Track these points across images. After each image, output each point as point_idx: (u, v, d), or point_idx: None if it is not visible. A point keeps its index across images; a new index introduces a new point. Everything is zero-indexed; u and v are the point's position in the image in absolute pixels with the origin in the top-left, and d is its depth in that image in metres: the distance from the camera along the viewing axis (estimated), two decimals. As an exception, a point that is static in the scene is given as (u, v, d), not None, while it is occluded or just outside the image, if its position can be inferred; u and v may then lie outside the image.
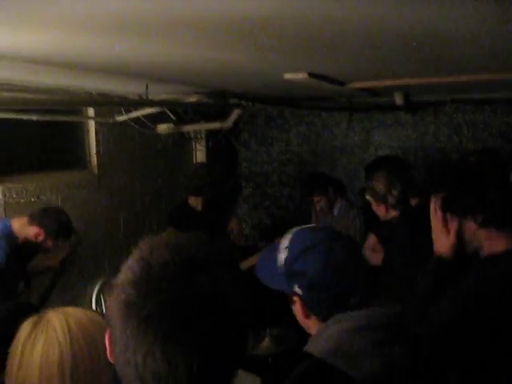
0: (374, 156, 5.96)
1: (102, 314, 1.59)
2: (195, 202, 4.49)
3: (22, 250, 3.36)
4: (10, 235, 3.25)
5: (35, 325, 1.46)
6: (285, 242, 1.66)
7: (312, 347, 1.53)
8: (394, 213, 3.40)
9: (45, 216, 3.33)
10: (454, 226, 2.07)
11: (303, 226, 1.73)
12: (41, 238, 3.30)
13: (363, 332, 1.47)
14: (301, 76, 3.29)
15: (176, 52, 2.68)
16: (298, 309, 1.62)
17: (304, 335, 1.78)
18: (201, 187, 4.41)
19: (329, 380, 1.41)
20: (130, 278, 0.90)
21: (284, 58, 2.90)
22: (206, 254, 0.93)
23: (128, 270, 0.92)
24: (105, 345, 0.96)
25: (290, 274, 1.61)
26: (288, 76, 3.33)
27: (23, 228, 3.30)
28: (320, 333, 1.55)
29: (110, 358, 0.96)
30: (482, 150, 4.90)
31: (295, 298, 1.61)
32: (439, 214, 2.12)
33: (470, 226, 2.02)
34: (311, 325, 1.62)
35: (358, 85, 4.13)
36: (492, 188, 2.00)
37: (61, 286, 4.07)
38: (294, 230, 1.70)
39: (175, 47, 2.53)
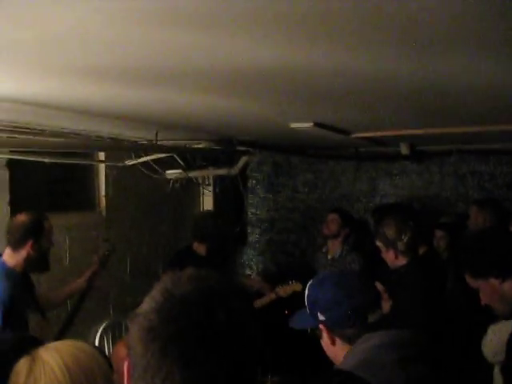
0: (378, 204, 6.02)
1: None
2: (200, 248, 4.56)
3: (25, 279, 3.33)
4: (8, 271, 3.19)
5: (31, 367, 1.42)
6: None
7: (342, 364, 1.71)
8: (402, 260, 3.42)
9: (17, 233, 3.20)
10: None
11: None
12: (33, 250, 3.20)
13: (390, 348, 1.64)
14: (307, 125, 3.38)
15: (185, 100, 2.76)
16: (324, 337, 1.84)
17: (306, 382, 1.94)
18: (206, 235, 4.50)
19: None
20: (153, 306, 0.95)
21: (290, 107, 2.99)
22: (224, 285, 0.99)
23: (151, 299, 0.97)
24: (102, 377, 0.99)
25: (312, 306, 1.88)
26: (294, 125, 3.41)
27: (13, 257, 3.21)
28: (349, 352, 1.75)
29: None
30: (486, 199, 4.93)
31: (321, 327, 1.84)
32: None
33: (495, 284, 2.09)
34: (338, 350, 1.81)
35: (364, 134, 4.21)
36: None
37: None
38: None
39: (185, 95, 2.62)
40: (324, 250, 4.92)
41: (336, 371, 1.68)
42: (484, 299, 2.15)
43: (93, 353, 1.48)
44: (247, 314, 0.98)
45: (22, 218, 3.24)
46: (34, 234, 3.19)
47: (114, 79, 2.24)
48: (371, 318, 1.76)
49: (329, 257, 4.83)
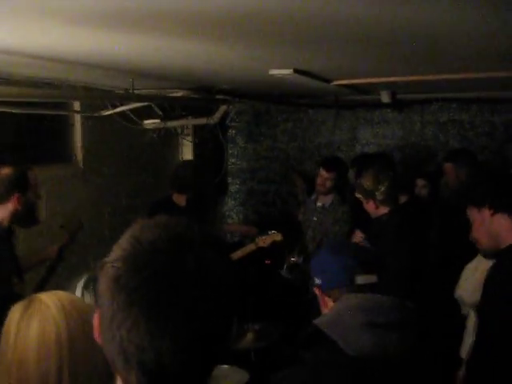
0: (359, 153, 6.01)
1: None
2: (179, 198, 4.50)
3: (9, 236, 3.28)
4: None
5: (27, 306, 1.46)
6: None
7: (318, 319, 1.76)
8: (383, 210, 3.44)
9: (1, 187, 3.10)
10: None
11: None
12: (20, 204, 3.12)
13: (359, 312, 1.67)
14: (286, 72, 3.30)
15: (161, 46, 2.67)
16: (319, 300, 1.92)
17: (286, 332, 2.04)
18: (185, 185, 4.44)
19: (322, 345, 1.64)
20: (120, 254, 0.92)
21: (270, 53, 2.90)
22: (194, 233, 0.95)
23: (118, 247, 0.94)
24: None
25: (311, 273, 1.96)
26: (273, 72, 3.33)
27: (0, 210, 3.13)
28: (329, 309, 1.82)
29: (97, 339, 0.97)
30: (458, 152, 4.94)
31: (316, 291, 1.92)
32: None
33: (486, 214, 2.23)
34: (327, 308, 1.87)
35: (344, 82, 4.14)
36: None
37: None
38: None
39: (160, 41, 2.53)
40: (313, 197, 4.91)
41: (310, 325, 1.73)
42: (473, 232, 2.31)
43: (88, 302, 1.52)
44: (220, 262, 0.94)
45: (5, 171, 3.14)
46: (19, 187, 3.12)
47: (85, 22, 2.14)
48: (360, 280, 1.78)
49: (318, 204, 4.82)
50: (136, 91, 3.68)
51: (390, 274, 3.05)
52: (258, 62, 3.12)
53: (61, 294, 1.52)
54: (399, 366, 1.65)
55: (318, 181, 4.75)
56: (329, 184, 4.71)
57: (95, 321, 0.96)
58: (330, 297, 1.85)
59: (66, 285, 4.41)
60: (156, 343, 0.87)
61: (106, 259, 0.94)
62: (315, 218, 4.77)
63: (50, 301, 1.45)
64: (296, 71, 3.31)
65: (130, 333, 0.88)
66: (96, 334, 0.97)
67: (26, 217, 3.22)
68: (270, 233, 4.51)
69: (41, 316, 1.42)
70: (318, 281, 1.89)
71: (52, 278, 3.74)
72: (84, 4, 1.83)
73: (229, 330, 0.96)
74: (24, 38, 2.42)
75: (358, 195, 3.54)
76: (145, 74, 3.56)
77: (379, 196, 3.41)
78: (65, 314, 1.42)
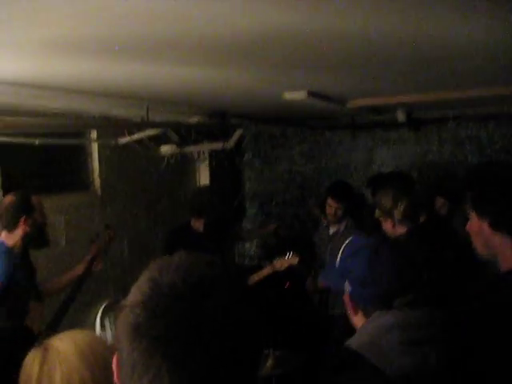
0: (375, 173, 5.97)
1: (106, 337, 1.56)
2: (197, 224, 4.52)
3: (25, 261, 3.33)
4: (7, 249, 3.18)
5: (44, 357, 1.38)
6: (342, 246, 1.91)
7: (351, 341, 1.70)
8: (401, 229, 3.33)
9: (8, 214, 3.19)
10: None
11: (358, 234, 2.00)
12: (28, 226, 3.20)
13: (395, 330, 1.62)
14: (300, 95, 3.30)
15: (175, 73, 2.69)
16: (349, 307, 1.83)
17: (309, 358, 1.94)
18: (203, 210, 4.44)
19: (360, 370, 1.56)
20: (140, 298, 0.88)
21: (283, 76, 2.91)
22: (215, 275, 0.91)
23: (137, 290, 0.90)
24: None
25: (342, 271, 1.84)
26: (287, 95, 3.34)
27: (11, 237, 3.21)
28: (361, 329, 1.75)
29: (116, 382, 0.93)
30: (489, 163, 4.87)
31: (347, 296, 1.82)
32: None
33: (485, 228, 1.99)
34: (358, 321, 1.80)
35: (359, 103, 4.13)
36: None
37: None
38: (351, 236, 1.95)
39: (175, 68, 2.55)
40: (325, 223, 4.85)
41: (343, 349, 1.66)
42: (470, 234, 2.05)
43: (104, 341, 1.45)
44: (242, 304, 0.91)
45: (8, 198, 3.25)
46: (24, 211, 3.20)
47: (100, 54, 2.17)
48: (399, 302, 1.72)
49: (330, 231, 4.75)
50: (151, 118, 3.71)
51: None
52: (271, 86, 3.14)
53: (77, 337, 1.44)
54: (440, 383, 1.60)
55: (328, 210, 4.67)
56: (339, 213, 4.63)
57: (114, 364, 0.93)
58: (359, 308, 1.79)
59: (86, 311, 4.43)
60: None
61: (125, 303, 0.91)
62: (330, 246, 4.71)
63: (68, 349, 1.38)
64: (310, 94, 3.31)
65: (152, 383, 0.85)
66: (115, 377, 0.93)
67: (36, 239, 3.30)
68: (287, 256, 4.48)
69: (63, 369, 1.35)
70: (348, 288, 1.80)
71: (77, 296, 3.74)
72: (99, 35, 1.85)
73: (255, 370, 0.93)
74: (43, 71, 2.46)
75: (377, 214, 3.47)
76: (160, 101, 3.60)
77: (398, 215, 3.35)
78: (86, 362, 1.36)
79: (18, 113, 3.50)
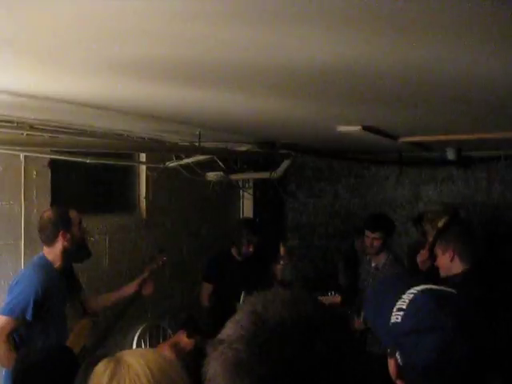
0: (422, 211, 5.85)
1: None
2: (237, 252, 4.57)
3: (68, 277, 3.37)
4: (45, 264, 3.22)
5: (115, 370, 1.39)
6: (403, 302, 1.37)
7: None
8: (457, 267, 3.09)
9: (46, 229, 3.23)
10: None
11: (429, 288, 1.41)
12: (67, 241, 3.22)
13: None
14: (354, 129, 3.27)
15: (231, 100, 2.69)
16: (392, 366, 1.38)
17: None
18: (242, 241, 4.50)
19: None
20: (240, 333, 0.84)
21: (338, 110, 2.90)
22: (322, 314, 0.88)
23: (235, 325, 0.86)
24: None
25: (396, 342, 1.36)
26: (341, 128, 3.31)
27: (51, 252, 3.24)
28: None
29: None
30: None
31: (393, 359, 1.37)
32: None
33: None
34: None
35: (411, 139, 4.08)
36: None
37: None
38: (419, 290, 1.39)
39: (230, 95, 2.55)
40: (368, 257, 4.77)
41: None
42: None
43: (176, 364, 1.44)
44: (348, 345, 0.86)
45: (47, 213, 3.30)
46: (62, 225, 3.23)
47: (155, 78, 2.19)
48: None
49: (372, 265, 4.67)
50: (202, 144, 3.72)
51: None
52: (326, 119, 3.12)
53: (149, 356, 1.43)
54: None
55: (366, 242, 4.58)
56: (376, 244, 4.52)
57: None
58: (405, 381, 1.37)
59: (123, 333, 4.41)
60: None
61: (222, 338, 0.86)
62: (370, 280, 4.62)
63: (138, 367, 1.37)
64: (364, 128, 3.28)
65: None
66: None
67: (76, 252, 3.32)
68: (329, 294, 4.37)
69: None
70: (397, 356, 1.34)
71: (124, 317, 3.75)
72: (152, 58, 1.86)
73: None
74: (98, 92, 2.49)
75: (438, 248, 3.24)
76: (212, 127, 3.60)
77: (457, 247, 3.10)
78: (154, 382, 1.34)
79: (71, 132, 3.55)
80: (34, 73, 2.11)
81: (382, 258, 4.59)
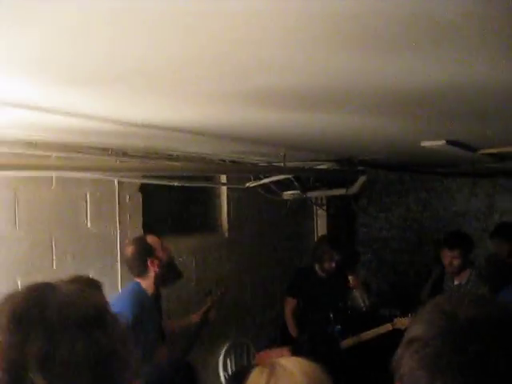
0: (498, 222, 5.78)
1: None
2: (319, 269, 4.74)
3: (157, 303, 3.47)
4: (140, 291, 3.31)
5: (272, 371, 1.48)
6: None
7: None
8: None
9: (134, 264, 3.32)
10: None
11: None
12: (156, 266, 3.30)
13: None
14: (439, 143, 3.30)
15: (317, 120, 2.73)
16: None
17: None
18: (323, 258, 4.68)
19: None
20: (435, 331, 0.93)
21: (426, 125, 2.93)
22: (508, 312, 0.96)
23: (426, 323, 0.94)
24: None
25: None
26: (426, 143, 3.35)
27: (144, 281, 3.33)
28: None
29: None
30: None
31: None
32: None
33: None
34: None
35: (491, 151, 4.07)
36: None
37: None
38: None
39: (318, 115, 2.59)
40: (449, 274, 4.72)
41: None
42: None
43: (324, 370, 1.51)
44: None
45: (128, 249, 3.38)
46: (147, 254, 3.30)
47: (245, 104, 2.23)
48: None
49: (455, 282, 4.61)
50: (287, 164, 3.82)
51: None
52: (411, 134, 3.16)
53: (302, 361, 1.53)
54: None
55: (445, 261, 4.52)
56: (456, 262, 4.46)
57: None
58: None
59: (209, 351, 4.52)
60: None
61: (413, 338, 0.94)
62: None
63: (293, 367, 1.47)
64: (448, 142, 3.31)
65: None
66: None
67: (167, 275, 3.39)
68: (409, 316, 4.29)
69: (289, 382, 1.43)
70: None
71: (196, 343, 3.86)
72: (243, 87, 1.90)
73: None
74: (206, 120, 2.59)
75: None
76: (295, 147, 3.68)
77: None
78: (308, 381, 1.43)
79: (158, 156, 3.71)
80: (155, 104, 2.21)
81: (465, 275, 4.52)
